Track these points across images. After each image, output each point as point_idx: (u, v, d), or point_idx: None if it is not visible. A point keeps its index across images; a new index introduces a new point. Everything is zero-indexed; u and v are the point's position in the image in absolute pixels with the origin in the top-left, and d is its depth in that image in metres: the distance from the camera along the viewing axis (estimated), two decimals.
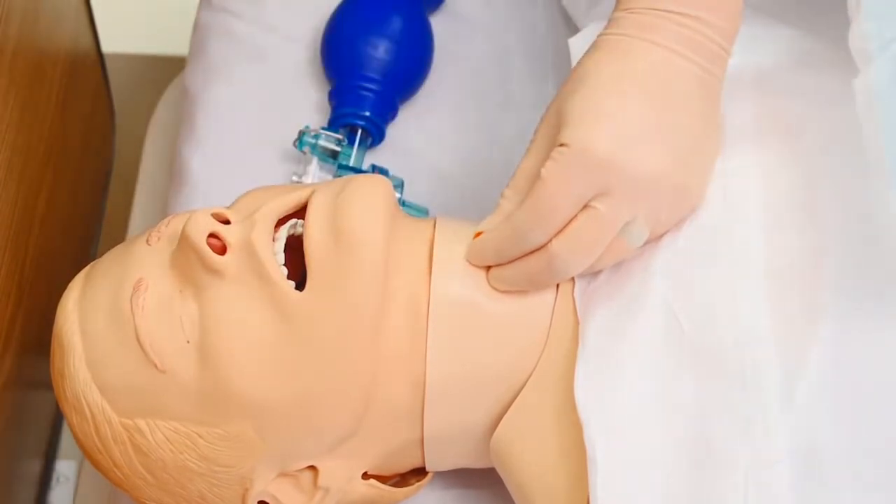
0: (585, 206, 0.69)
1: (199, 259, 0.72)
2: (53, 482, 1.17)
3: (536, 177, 0.70)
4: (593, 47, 0.72)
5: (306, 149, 0.93)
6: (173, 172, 1.01)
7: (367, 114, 0.94)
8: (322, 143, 0.93)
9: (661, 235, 0.73)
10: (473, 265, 0.74)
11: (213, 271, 0.72)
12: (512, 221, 0.71)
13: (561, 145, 0.69)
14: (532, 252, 0.71)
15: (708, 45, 0.70)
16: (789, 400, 0.67)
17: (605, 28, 0.72)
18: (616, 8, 0.72)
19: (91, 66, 1.26)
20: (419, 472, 0.80)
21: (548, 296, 0.75)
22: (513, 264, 0.72)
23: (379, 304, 0.72)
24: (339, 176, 0.92)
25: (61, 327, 0.75)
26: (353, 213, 0.71)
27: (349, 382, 0.72)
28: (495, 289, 0.74)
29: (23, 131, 0.97)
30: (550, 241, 0.70)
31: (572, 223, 0.69)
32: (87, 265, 0.79)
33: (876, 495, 0.66)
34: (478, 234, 0.74)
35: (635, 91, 0.69)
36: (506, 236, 0.71)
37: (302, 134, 0.93)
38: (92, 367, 0.73)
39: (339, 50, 0.96)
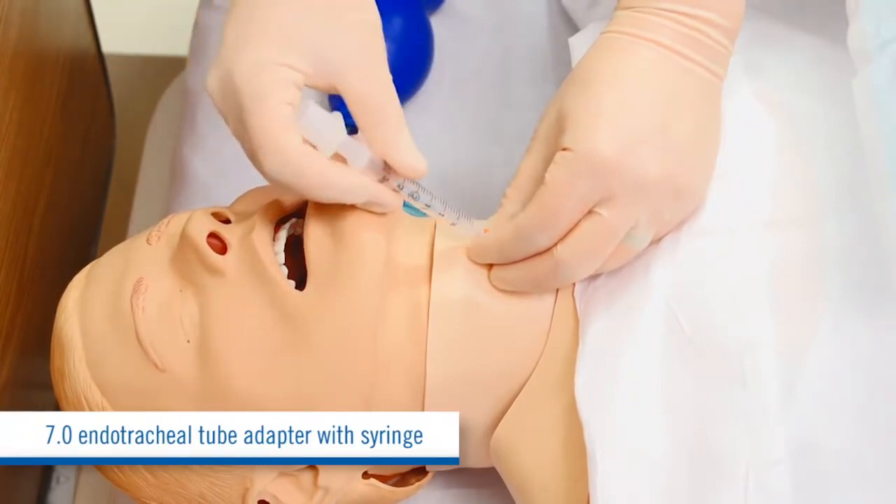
0: (590, 212, 0.69)
1: (199, 258, 0.72)
2: (53, 482, 1.17)
3: (538, 177, 0.70)
4: (594, 46, 0.72)
5: None
6: (173, 172, 1.01)
7: None
8: None
9: (663, 236, 0.73)
10: (475, 263, 0.74)
11: (214, 271, 0.72)
12: (516, 224, 0.71)
13: (564, 149, 0.69)
14: (536, 255, 0.71)
15: (709, 44, 0.70)
16: (790, 400, 0.67)
17: (607, 26, 0.72)
18: (617, 6, 0.72)
19: (91, 66, 1.26)
20: (419, 472, 0.80)
21: (548, 296, 0.75)
22: (517, 266, 0.72)
23: (379, 304, 0.72)
24: None
25: (61, 327, 0.75)
26: (352, 212, 0.71)
27: (349, 382, 0.72)
28: (497, 288, 0.74)
29: (23, 131, 0.97)
30: (555, 245, 0.70)
31: (577, 230, 0.69)
32: (87, 265, 0.79)
33: (877, 495, 0.66)
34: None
35: (636, 91, 0.69)
36: (509, 238, 0.71)
37: None
38: (92, 367, 0.73)
39: None
